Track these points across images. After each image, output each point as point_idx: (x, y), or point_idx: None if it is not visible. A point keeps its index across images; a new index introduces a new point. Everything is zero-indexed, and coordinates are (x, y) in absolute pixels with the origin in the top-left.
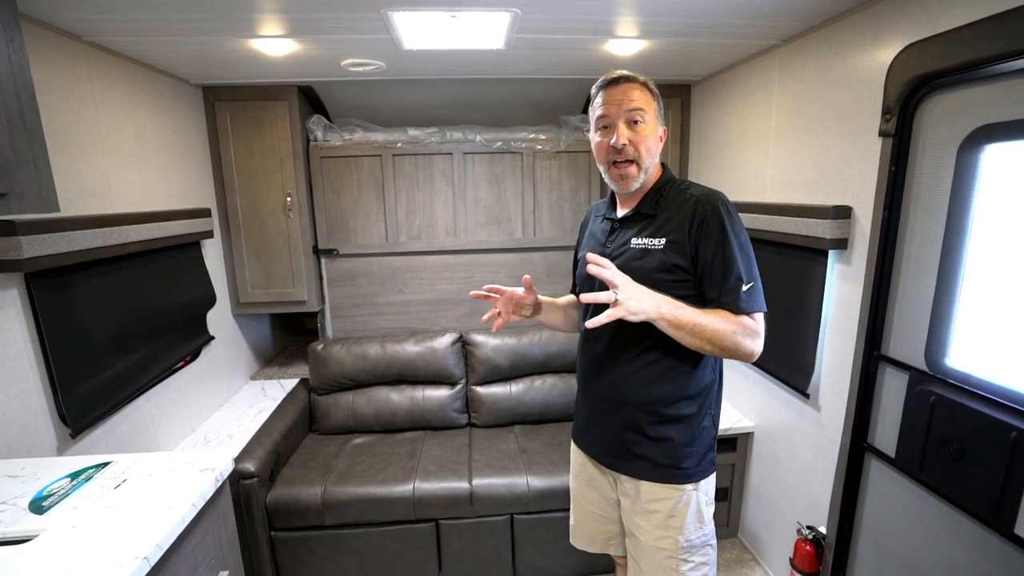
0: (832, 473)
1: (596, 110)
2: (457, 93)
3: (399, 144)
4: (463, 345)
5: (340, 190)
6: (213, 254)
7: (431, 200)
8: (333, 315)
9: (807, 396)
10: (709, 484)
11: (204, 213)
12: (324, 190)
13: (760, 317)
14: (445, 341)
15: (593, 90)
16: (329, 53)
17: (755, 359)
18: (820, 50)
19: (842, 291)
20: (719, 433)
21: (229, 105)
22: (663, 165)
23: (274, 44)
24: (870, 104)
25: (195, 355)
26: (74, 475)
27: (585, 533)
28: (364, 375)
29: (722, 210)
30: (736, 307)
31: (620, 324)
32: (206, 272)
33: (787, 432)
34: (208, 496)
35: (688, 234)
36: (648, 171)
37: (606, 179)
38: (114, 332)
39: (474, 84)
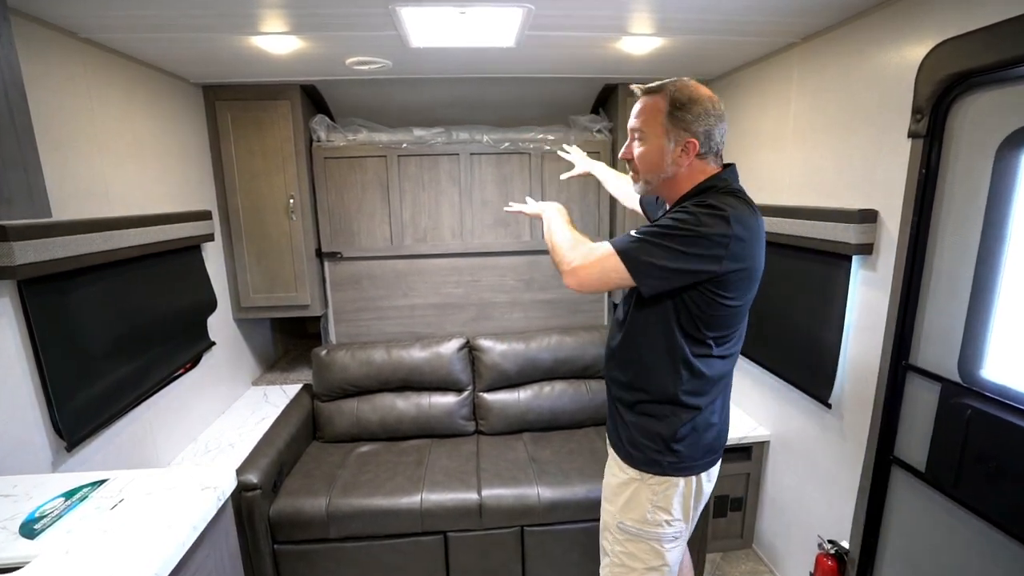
0: (855, 485)
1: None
2: (464, 92)
3: (404, 145)
4: (470, 351)
5: (344, 192)
6: (214, 257)
7: (437, 202)
8: (336, 320)
9: (828, 406)
10: (663, 487)
11: (204, 216)
12: (327, 192)
13: (604, 249)
14: (451, 347)
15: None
16: (334, 51)
17: (566, 278)
18: (842, 48)
19: (866, 298)
20: (730, 443)
21: (230, 105)
22: (722, 169)
23: (277, 41)
24: (898, 104)
25: (196, 362)
26: (68, 494)
27: None
28: (369, 381)
29: (689, 204)
30: (607, 243)
31: (630, 310)
32: (207, 276)
33: (806, 441)
34: (209, 517)
35: None
36: (651, 182)
37: None
38: (112, 340)
39: (481, 83)
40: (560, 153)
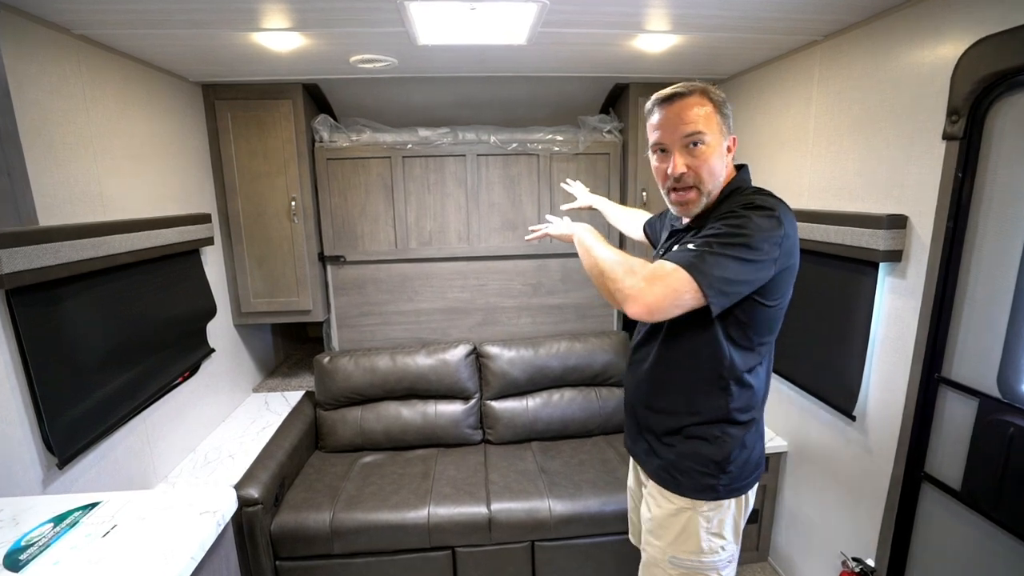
0: (881, 501)
1: (652, 132)
2: (471, 92)
3: (409, 145)
4: (477, 357)
5: (347, 193)
6: (213, 262)
7: (443, 204)
8: (339, 325)
9: (852, 418)
10: (716, 513)
11: (204, 219)
12: (330, 194)
13: (669, 268)
14: (458, 353)
15: (648, 105)
16: (338, 48)
17: (629, 306)
18: (868, 46)
19: (894, 307)
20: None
21: (230, 104)
22: (739, 168)
23: (279, 38)
24: (930, 104)
25: (194, 370)
26: (58, 519)
27: (636, 527)
28: (373, 389)
29: (736, 208)
30: (661, 260)
31: (664, 329)
32: (206, 281)
33: (828, 454)
34: (209, 545)
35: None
36: (711, 193)
37: (666, 200)
38: (106, 350)
39: (489, 82)
40: (563, 185)
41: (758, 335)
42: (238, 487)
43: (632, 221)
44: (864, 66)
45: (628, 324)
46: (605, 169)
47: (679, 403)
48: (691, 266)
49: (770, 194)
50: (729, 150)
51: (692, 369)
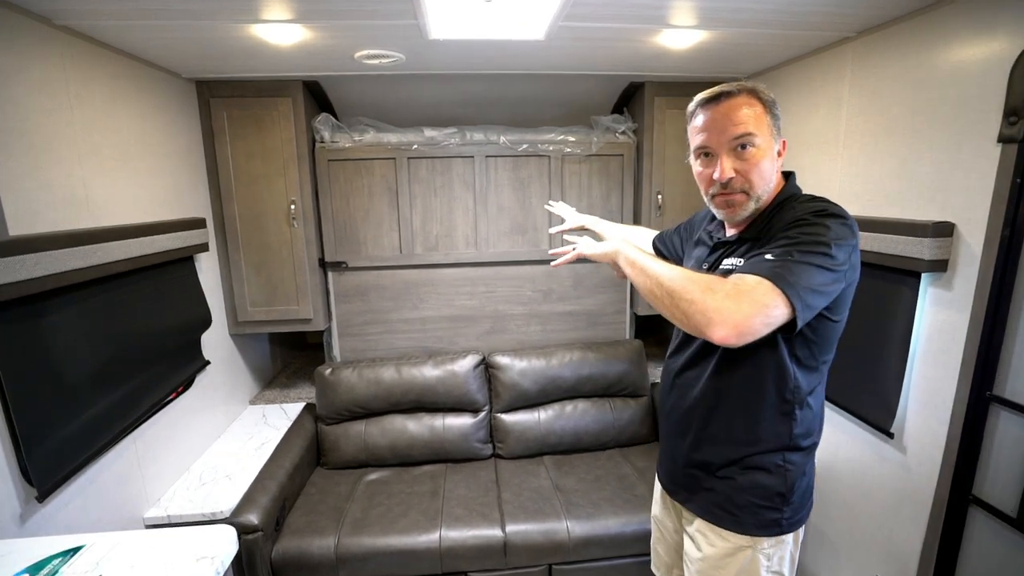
0: (922, 524)
1: (695, 135)
2: (479, 90)
3: (415, 146)
4: (486, 368)
5: (349, 197)
6: (208, 269)
7: (450, 207)
8: (341, 334)
9: (890, 435)
10: (777, 549)
11: (198, 224)
12: (331, 197)
13: (753, 282)
14: (467, 364)
15: (691, 107)
16: (342, 42)
17: (714, 330)
18: (908, 42)
19: (939, 319)
20: None
21: (226, 102)
22: (786, 176)
23: (280, 31)
24: (983, 104)
25: (188, 384)
26: (33, 569)
27: (662, 559)
28: (377, 402)
29: (808, 215)
30: (739, 274)
31: (705, 345)
32: (200, 290)
33: (860, 472)
34: None
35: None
36: (761, 198)
37: (709, 206)
38: (92, 368)
39: (498, 80)
40: (546, 207)
41: (823, 353)
42: (236, 512)
43: (636, 240)
44: (903, 64)
45: (641, 331)
46: (619, 171)
47: (738, 431)
48: (776, 276)
49: (829, 201)
50: (779, 154)
51: (754, 393)
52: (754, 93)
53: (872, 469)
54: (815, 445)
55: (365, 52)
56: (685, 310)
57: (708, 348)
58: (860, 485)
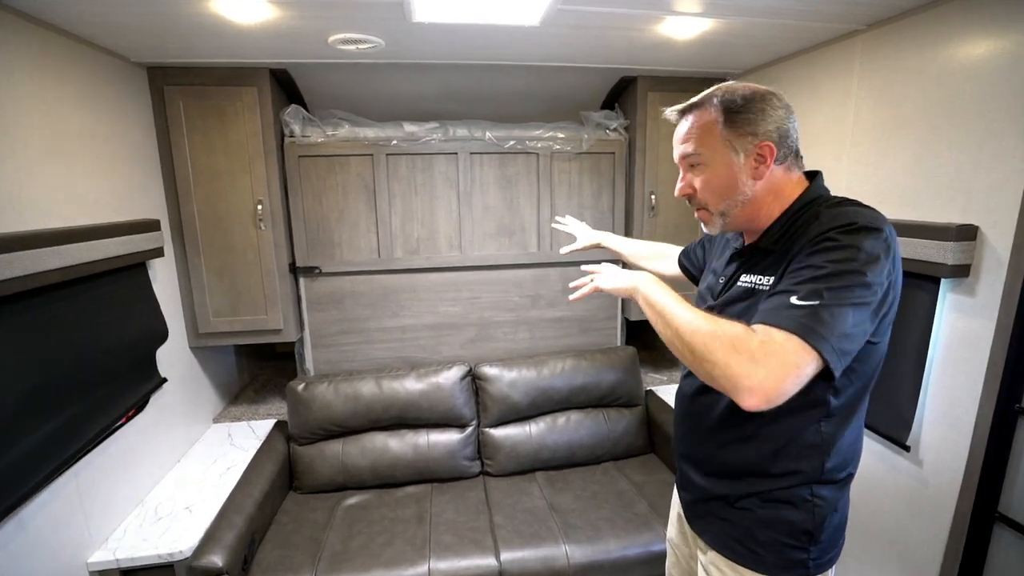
0: (941, 540)
1: None
2: (463, 82)
3: (394, 141)
4: (473, 380)
5: (322, 196)
6: (164, 277)
7: (431, 208)
8: (314, 344)
9: (906, 448)
10: None
11: (151, 226)
12: (303, 196)
13: (780, 339)
14: (452, 376)
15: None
16: (315, 23)
17: (744, 397)
18: (924, 35)
19: (959, 327)
20: None
21: (183, 91)
22: (811, 176)
23: (242, 7)
24: (1007, 101)
25: (141, 406)
26: None
27: None
28: (356, 419)
29: (835, 233)
30: (761, 318)
31: None
32: (155, 300)
33: (872, 485)
34: None
35: (786, 264)
36: (727, 213)
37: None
38: (20, 396)
39: (484, 72)
40: (555, 225)
41: (862, 377)
42: (197, 553)
43: (659, 257)
44: (918, 57)
45: (632, 337)
46: (610, 170)
47: (764, 460)
48: (806, 330)
49: (861, 204)
50: (761, 160)
51: (780, 422)
52: (707, 103)
53: (885, 482)
54: (851, 477)
55: (340, 36)
56: (709, 372)
57: None
58: (872, 498)
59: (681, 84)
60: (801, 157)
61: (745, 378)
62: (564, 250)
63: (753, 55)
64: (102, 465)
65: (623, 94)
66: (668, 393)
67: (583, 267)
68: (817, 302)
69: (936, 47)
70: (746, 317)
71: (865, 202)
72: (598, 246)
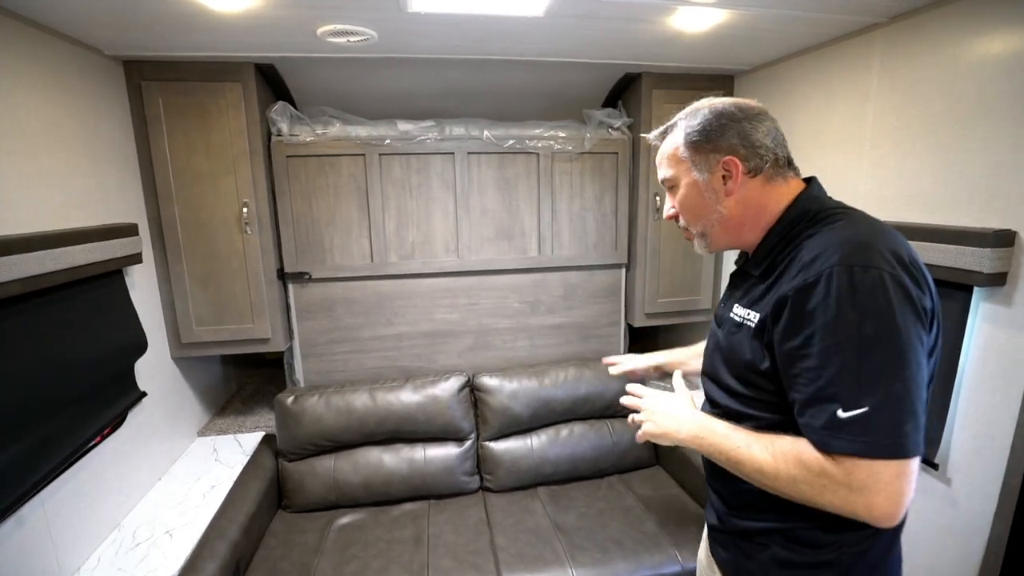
0: (973, 565)
1: None
2: (459, 79)
3: (387, 141)
4: (472, 391)
5: (312, 198)
6: (143, 284)
7: (427, 210)
8: (304, 354)
9: (935, 466)
10: None
11: (129, 231)
12: (291, 198)
13: (860, 465)
14: (450, 387)
15: None
16: (303, 14)
17: (882, 524)
18: (952, 28)
19: (996, 340)
20: None
21: (162, 86)
22: (808, 182)
23: None
24: None
25: (118, 423)
26: None
27: None
28: (349, 434)
29: (833, 281)
30: (816, 438)
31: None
32: (132, 310)
33: None
34: None
35: (770, 312)
36: (707, 235)
37: None
38: None
39: (482, 68)
40: (613, 371)
41: None
42: None
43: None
44: (948, 52)
45: (635, 343)
46: (613, 171)
47: (788, 502)
48: (879, 448)
49: (852, 220)
50: (728, 178)
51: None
52: (675, 127)
53: (912, 501)
54: (901, 523)
55: (330, 28)
56: (824, 507)
57: (751, 399)
58: None
59: (686, 82)
60: (790, 165)
61: (862, 511)
62: (615, 371)
63: (762, 51)
64: (74, 488)
65: (626, 91)
66: None
67: (628, 387)
68: (866, 408)
69: (966, 40)
70: (739, 350)
71: (885, 206)
72: (659, 368)
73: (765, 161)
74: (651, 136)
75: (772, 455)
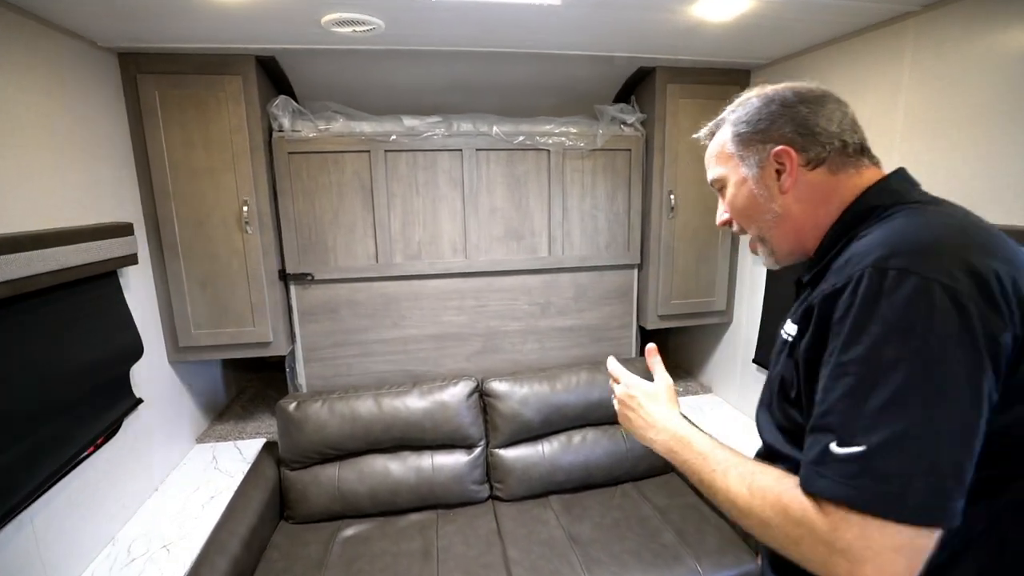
0: None
1: None
2: (467, 72)
3: (393, 137)
4: (481, 396)
5: (315, 196)
6: (138, 286)
7: (434, 209)
8: (307, 358)
9: None
10: None
11: (123, 230)
12: (293, 197)
13: (852, 521)
14: (459, 393)
15: None
16: (307, 2)
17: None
18: (988, 16)
19: None
20: None
21: (159, 79)
22: (884, 181)
23: None
24: None
25: (113, 432)
26: None
27: None
28: (354, 442)
29: (860, 286)
30: (803, 473)
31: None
32: (128, 313)
33: None
34: None
35: (798, 326)
36: (767, 239)
37: None
38: None
39: (490, 61)
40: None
41: (999, 463)
42: None
43: None
44: (982, 42)
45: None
46: (625, 168)
47: None
48: (872, 501)
49: (927, 215)
50: (779, 167)
51: None
52: (723, 120)
53: None
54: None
55: (335, 16)
56: (800, 563)
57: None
58: None
59: (702, 76)
60: (863, 152)
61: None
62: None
63: (787, 42)
64: (65, 502)
65: (639, 86)
66: (686, 406)
67: (609, 362)
68: (863, 447)
69: (1003, 29)
70: (781, 373)
71: None
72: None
73: (828, 149)
74: (700, 135)
75: (749, 489)
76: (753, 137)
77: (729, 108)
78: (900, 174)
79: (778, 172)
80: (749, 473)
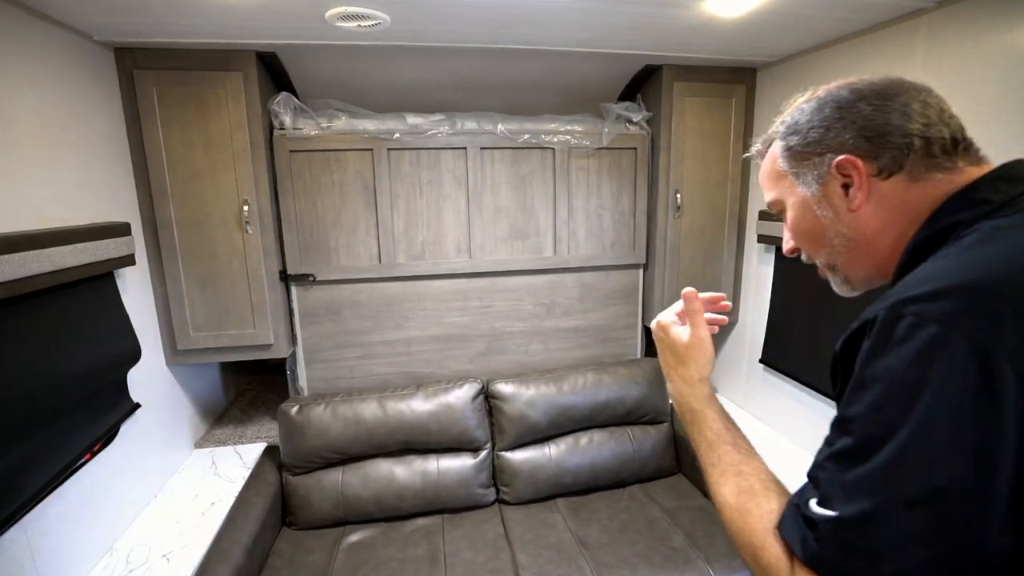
0: None
1: None
2: (471, 69)
3: (396, 135)
4: (486, 398)
5: (316, 196)
6: (136, 288)
7: (438, 209)
8: (308, 360)
9: None
10: None
11: (120, 230)
12: (294, 196)
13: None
14: (464, 395)
15: None
16: None
17: None
18: (1003, 13)
19: None
20: None
21: (156, 75)
22: (972, 186)
23: None
24: None
25: (109, 438)
26: None
27: None
28: (357, 445)
29: (871, 331)
30: (785, 514)
31: None
32: (125, 316)
33: None
34: None
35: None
36: (838, 267)
37: None
38: None
39: (495, 58)
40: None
41: None
42: None
43: None
44: (997, 39)
45: (653, 346)
46: (631, 167)
47: None
48: (828, 559)
49: (999, 235)
50: (850, 185)
51: None
52: (774, 134)
53: None
54: None
55: (340, 10)
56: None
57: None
58: None
59: (710, 74)
60: (958, 147)
61: None
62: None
63: (796, 39)
64: (61, 511)
65: (645, 84)
66: None
67: (685, 292)
68: (837, 513)
69: (1019, 26)
70: None
71: None
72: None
73: (905, 151)
74: (751, 152)
75: (738, 509)
76: (806, 150)
77: (779, 120)
78: (1002, 172)
79: (845, 187)
80: (748, 489)
